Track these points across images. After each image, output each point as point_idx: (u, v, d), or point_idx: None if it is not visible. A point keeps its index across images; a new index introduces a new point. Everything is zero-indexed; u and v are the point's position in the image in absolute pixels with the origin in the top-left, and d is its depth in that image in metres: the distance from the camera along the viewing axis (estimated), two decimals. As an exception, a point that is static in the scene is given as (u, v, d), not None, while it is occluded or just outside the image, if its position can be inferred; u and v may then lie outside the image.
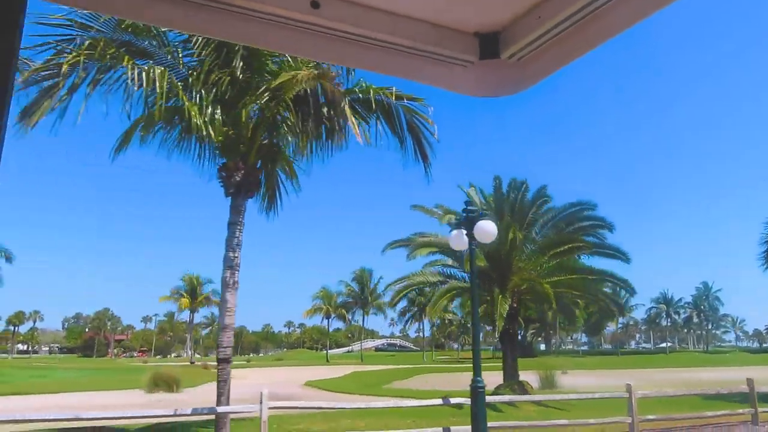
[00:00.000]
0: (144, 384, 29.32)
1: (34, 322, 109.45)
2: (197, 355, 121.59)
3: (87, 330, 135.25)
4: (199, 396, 27.02)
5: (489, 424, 11.03)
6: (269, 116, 10.78)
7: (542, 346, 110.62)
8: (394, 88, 10.82)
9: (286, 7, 1.12)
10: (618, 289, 22.60)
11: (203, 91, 10.79)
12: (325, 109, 11.01)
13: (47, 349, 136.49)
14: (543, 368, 28.48)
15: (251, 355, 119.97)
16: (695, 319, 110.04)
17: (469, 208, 11.70)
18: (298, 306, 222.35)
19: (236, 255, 11.19)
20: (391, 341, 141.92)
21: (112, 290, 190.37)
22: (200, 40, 11.18)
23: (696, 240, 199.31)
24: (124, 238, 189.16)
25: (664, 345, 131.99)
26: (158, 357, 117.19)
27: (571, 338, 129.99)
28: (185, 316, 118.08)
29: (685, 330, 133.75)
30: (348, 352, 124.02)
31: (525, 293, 19.90)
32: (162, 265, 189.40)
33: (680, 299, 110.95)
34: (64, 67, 8.98)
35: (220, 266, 10.91)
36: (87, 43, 9.44)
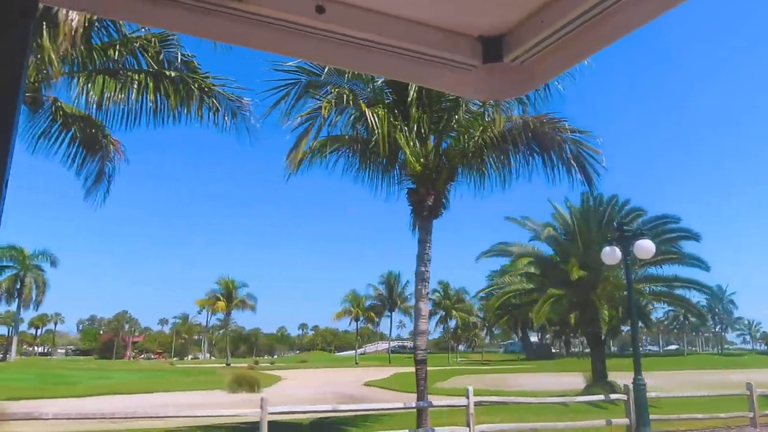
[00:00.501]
0: (224, 385, 30.98)
1: (55, 324, 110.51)
2: (213, 357, 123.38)
3: (101, 332, 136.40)
4: (281, 395, 28.59)
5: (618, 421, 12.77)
6: (471, 150, 12.34)
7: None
8: (566, 123, 12.40)
9: (292, 11, 1.14)
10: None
11: (406, 128, 12.38)
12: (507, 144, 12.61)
13: (63, 351, 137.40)
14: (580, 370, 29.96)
15: (266, 356, 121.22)
16: (709, 322, 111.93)
17: (624, 227, 13.30)
18: (311, 308, 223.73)
19: (427, 269, 12.79)
20: (402, 344, 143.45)
21: (128, 293, 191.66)
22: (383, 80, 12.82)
23: (708, 238, 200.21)
24: (144, 243, 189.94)
25: (671, 347, 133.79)
26: (175, 359, 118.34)
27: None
28: (201, 318, 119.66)
29: (693, 333, 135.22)
30: (362, 354, 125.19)
31: (617, 300, 21.58)
32: (179, 269, 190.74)
33: (698, 302, 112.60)
34: (325, 113, 10.58)
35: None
36: (335, 91, 11.09)
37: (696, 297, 23.78)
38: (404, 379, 45.16)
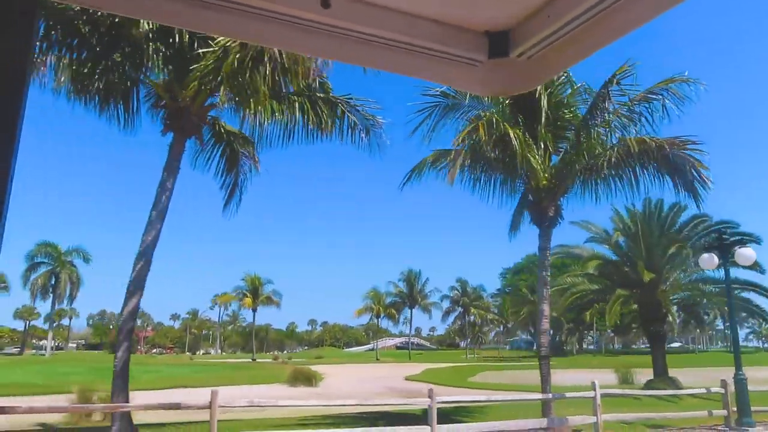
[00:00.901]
0: (280, 379, 32.39)
1: (70, 319, 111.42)
2: (223, 352, 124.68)
3: (111, 327, 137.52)
4: (336, 388, 29.96)
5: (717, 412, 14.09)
6: (590, 168, 13.63)
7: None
8: (675, 140, 13.62)
9: (297, 6, 1.13)
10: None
11: (534, 146, 13.66)
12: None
13: (74, 345, 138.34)
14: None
15: (275, 352, 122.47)
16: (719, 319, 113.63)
17: (723, 234, 14.62)
18: (321, 304, 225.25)
19: (547, 274, 14.12)
20: (410, 340, 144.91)
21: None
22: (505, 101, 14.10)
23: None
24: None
25: (674, 345, 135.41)
26: (187, 354, 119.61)
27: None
28: (212, 314, 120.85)
29: (698, 330, 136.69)
30: (370, 350, 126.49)
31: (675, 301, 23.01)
32: (192, 265, 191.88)
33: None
34: (482, 132, 11.88)
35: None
36: (486, 115, 12.38)
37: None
38: (439, 374, 46.65)
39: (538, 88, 13.16)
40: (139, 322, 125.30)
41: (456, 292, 76.83)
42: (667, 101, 12.77)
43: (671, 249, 21.91)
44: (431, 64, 1.32)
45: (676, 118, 12.58)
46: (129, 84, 11.87)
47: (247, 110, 12.06)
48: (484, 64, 1.32)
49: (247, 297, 67.89)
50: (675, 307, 23.03)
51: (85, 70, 11.16)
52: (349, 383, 34.66)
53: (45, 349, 64.08)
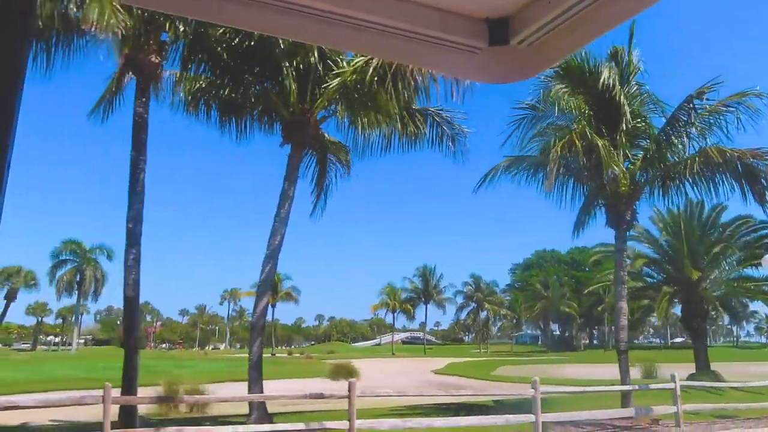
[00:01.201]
0: (319, 374, 33.45)
1: (81, 315, 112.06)
2: (228, 347, 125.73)
3: (119, 323, 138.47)
4: (378, 381, 30.93)
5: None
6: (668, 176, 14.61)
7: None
8: (755, 151, 14.57)
9: None
10: None
11: (615, 154, 14.61)
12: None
13: (82, 341, 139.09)
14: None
15: (284, 347, 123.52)
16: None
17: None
18: (327, 299, 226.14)
19: (624, 273, 15.11)
20: (414, 335, 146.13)
21: (147, 284, 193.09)
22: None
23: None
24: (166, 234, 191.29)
25: (677, 340, 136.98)
26: (196, 349, 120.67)
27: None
28: (220, 310, 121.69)
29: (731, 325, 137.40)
30: (377, 344, 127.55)
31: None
32: (199, 260, 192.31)
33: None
34: (576, 140, 12.86)
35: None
36: (579, 128, 13.35)
37: None
38: (462, 368, 47.71)
39: (621, 99, 14.15)
40: (148, 317, 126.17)
41: (469, 287, 78.13)
42: (740, 114, 13.76)
43: (716, 248, 23.05)
44: (430, 51, 1.30)
45: (749, 128, 13.51)
46: (253, 100, 12.76)
47: (359, 123, 13.01)
48: (483, 51, 1.30)
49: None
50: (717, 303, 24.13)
51: (225, 90, 12.05)
52: (388, 377, 35.68)
53: (58, 346, 64.85)
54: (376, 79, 10.76)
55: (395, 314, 79.79)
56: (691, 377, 23.85)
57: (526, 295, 78.60)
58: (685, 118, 13.75)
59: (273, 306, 71.31)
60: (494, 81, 1.42)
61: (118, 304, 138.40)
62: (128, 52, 9.64)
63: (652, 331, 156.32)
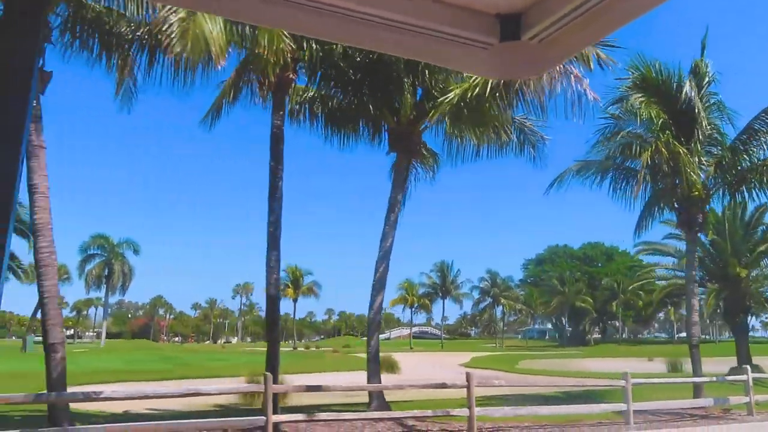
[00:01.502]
0: (359, 367, 34.41)
1: (96, 309, 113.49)
2: (239, 341, 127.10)
3: (129, 316, 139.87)
4: (416, 374, 31.90)
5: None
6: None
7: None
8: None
9: None
10: None
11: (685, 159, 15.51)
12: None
13: (93, 334, 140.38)
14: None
15: (298, 342, 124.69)
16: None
17: None
18: (337, 294, 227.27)
19: (696, 272, 16.06)
20: (423, 329, 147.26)
21: (160, 279, 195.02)
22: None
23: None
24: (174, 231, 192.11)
25: (682, 335, 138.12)
26: (208, 342, 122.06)
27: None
28: (231, 304, 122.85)
29: (707, 320, 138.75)
30: (386, 338, 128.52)
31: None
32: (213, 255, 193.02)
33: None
34: (661, 146, 13.79)
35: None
36: (664, 137, 14.28)
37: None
38: (487, 362, 48.77)
39: (699, 108, 15.07)
40: (161, 311, 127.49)
41: (486, 282, 79.23)
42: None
43: (761, 247, 24.08)
44: (441, 47, 1.29)
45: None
46: (365, 112, 13.69)
47: (456, 134, 13.94)
48: (495, 47, 1.29)
49: (288, 288, 70.18)
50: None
51: (333, 101, 12.98)
52: (424, 370, 36.66)
53: (73, 339, 65.93)
54: (497, 94, 11.68)
55: (413, 309, 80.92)
56: (732, 371, 24.81)
57: (541, 290, 79.55)
58: (765, 129, 14.68)
59: (294, 300, 72.63)
60: (505, 77, 1.45)
61: (143, 299, 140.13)
62: (278, 72, 10.53)
63: (656, 326, 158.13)
